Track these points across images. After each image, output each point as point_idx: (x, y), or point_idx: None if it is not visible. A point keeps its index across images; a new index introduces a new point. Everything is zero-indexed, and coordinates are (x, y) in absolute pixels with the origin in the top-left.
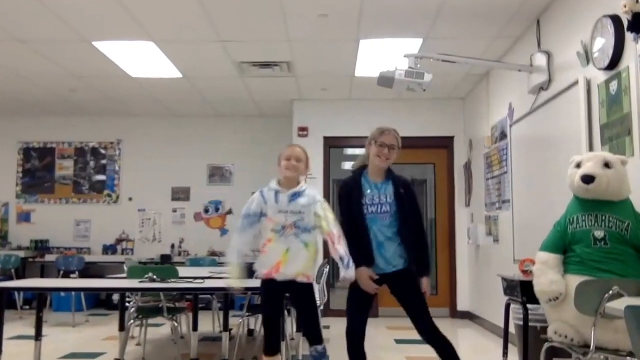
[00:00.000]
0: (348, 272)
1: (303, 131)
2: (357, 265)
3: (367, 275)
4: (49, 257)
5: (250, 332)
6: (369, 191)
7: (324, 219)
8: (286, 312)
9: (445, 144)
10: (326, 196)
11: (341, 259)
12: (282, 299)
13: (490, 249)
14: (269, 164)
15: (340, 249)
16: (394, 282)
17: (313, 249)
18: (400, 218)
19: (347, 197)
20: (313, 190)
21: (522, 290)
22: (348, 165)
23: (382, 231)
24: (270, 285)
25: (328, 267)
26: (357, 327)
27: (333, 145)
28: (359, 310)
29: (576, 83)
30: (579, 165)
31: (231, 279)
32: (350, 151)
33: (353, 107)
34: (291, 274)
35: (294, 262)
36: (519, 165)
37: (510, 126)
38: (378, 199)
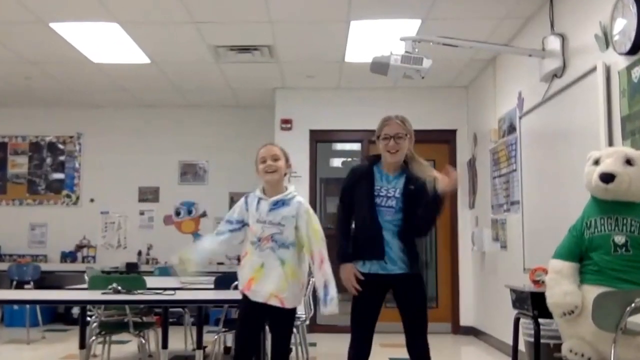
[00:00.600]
0: (327, 308)
1: (286, 123)
2: (343, 259)
3: (352, 272)
4: (0, 266)
5: (227, 350)
6: (378, 181)
7: (305, 236)
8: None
9: (446, 138)
10: (312, 199)
11: (324, 286)
12: (259, 321)
13: (497, 256)
14: (247, 161)
15: (320, 276)
16: (399, 288)
17: (290, 268)
18: (404, 217)
19: (354, 184)
20: (301, 198)
21: (533, 303)
22: (337, 162)
23: (385, 226)
24: (247, 303)
25: (312, 280)
26: (361, 346)
27: (320, 139)
28: (364, 326)
29: (594, 69)
30: (597, 162)
31: (179, 260)
32: (339, 146)
33: (342, 96)
34: (263, 294)
35: (266, 280)
36: (529, 161)
37: (520, 118)
38: (385, 192)
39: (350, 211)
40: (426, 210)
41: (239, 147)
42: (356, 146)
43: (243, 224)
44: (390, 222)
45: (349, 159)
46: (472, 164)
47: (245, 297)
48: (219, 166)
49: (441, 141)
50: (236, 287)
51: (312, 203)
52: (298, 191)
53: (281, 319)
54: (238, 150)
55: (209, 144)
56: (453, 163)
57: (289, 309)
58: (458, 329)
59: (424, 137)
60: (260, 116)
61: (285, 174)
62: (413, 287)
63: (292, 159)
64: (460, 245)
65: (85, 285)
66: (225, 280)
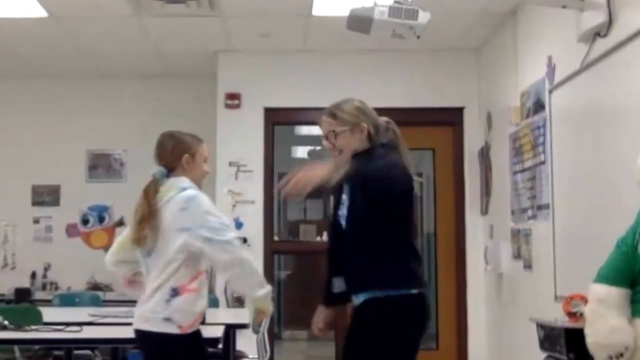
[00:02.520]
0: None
1: (233, 99)
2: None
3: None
4: None
5: None
6: (344, 196)
7: None
8: None
9: (449, 119)
10: (267, 201)
11: None
12: None
13: (518, 279)
14: None
15: None
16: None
17: None
18: (349, 229)
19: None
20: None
21: (567, 343)
22: (301, 152)
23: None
24: (201, 344)
25: None
26: None
27: (278, 120)
28: None
29: None
30: None
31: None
32: (304, 130)
33: (309, 62)
34: None
35: None
36: (563, 151)
37: (550, 92)
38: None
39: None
40: None
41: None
42: None
43: None
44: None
45: (317, 148)
46: (484, 155)
47: (197, 335)
48: (142, 157)
49: (443, 123)
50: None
51: (267, 207)
52: (247, 189)
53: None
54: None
55: (127, 128)
56: (459, 153)
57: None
58: None
59: (420, 118)
60: (197, 90)
61: None
62: (356, 316)
63: (241, 146)
64: (469, 265)
65: None
66: None
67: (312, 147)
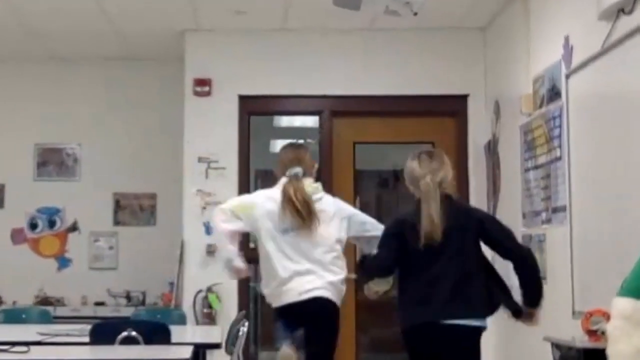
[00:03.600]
0: None
1: (202, 86)
2: None
3: None
4: None
5: None
6: None
7: None
8: None
9: (452, 108)
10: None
11: None
12: None
13: None
14: (147, 145)
15: None
16: None
17: None
18: None
19: None
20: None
21: None
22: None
23: None
24: None
25: (246, 323)
26: None
27: (255, 110)
28: None
29: None
30: None
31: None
32: (284, 121)
33: (290, 44)
34: None
35: None
36: (581, 145)
37: (567, 77)
38: None
39: None
40: None
41: (129, 123)
42: (311, 121)
43: None
44: None
45: (300, 141)
46: (492, 149)
47: None
48: (98, 153)
49: (445, 113)
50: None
51: None
52: (219, 189)
53: None
54: (128, 128)
55: (82, 119)
56: (463, 146)
57: None
58: None
59: (418, 108)
60: (161, 75)
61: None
62: None
63: (212, 140)
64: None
65: None
66: (107, 330)
67: (294, 141)
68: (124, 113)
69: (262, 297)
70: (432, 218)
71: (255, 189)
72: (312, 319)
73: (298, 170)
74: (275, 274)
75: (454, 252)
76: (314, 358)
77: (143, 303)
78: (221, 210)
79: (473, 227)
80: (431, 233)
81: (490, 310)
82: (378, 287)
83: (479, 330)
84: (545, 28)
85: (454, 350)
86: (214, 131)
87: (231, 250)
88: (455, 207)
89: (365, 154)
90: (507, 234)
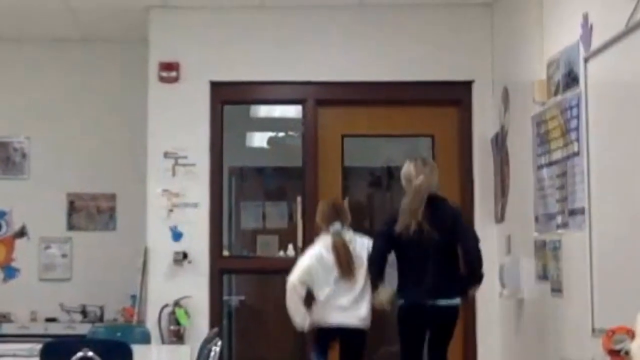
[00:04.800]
0: None
1: (169, 70)
2: None
3: None
4: None
5: None
6: None
7: None
8: None
9: (454, 96)
10: (216, 204)
11: None
12: None
13: (545, 307)
14: (105, 139)
15: None
16: None
17: None
18: None
19: None
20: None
21: None
22: (259, 140)
23: None
24: None
25: (219, 342)
26: None
27: (229, 99)
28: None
29: None
30: None
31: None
32: (262, 110)
33: (268, 23)
34: None
35: None
36: (602, 138)
37: (586, 61)
38: None
39: None
40: None
41: (85, 114)
42: (293, 110)
43: None
44: None
45: (281, 134)
46: (500, 143)
47: None
48: (50, 147)
49: (446, 102)
50: None
51: (215, 212)
52: (188, 189)
53: None
54: (84, 119)
55: (31, 109)
56: (466, 139)
57: None
58: None
59: (416, 95)
60: (122, 58)
61: None
62: None
63: (180, 132)
64: (480, 288)
65: None
66: (60, 350)
67: (272, 134)
68: (80, 102)
69: (237, 312)
70: (410, 209)
71: (229, 188)
72: None
73: (338, 227)
74: None
75: (437, 242)
76: None
77: (101, 319)
78: (294, 286)
79: (450, 221)
80: (405, 222)
81: (462, 292)
82: (383, 296)
83: (456, 308)
84: (561, 4)
85: (437, 324)
86: (182, 122)
87: (303, 313)
88: (441, 203)
89: (355, 149)
90: (467, 230)
